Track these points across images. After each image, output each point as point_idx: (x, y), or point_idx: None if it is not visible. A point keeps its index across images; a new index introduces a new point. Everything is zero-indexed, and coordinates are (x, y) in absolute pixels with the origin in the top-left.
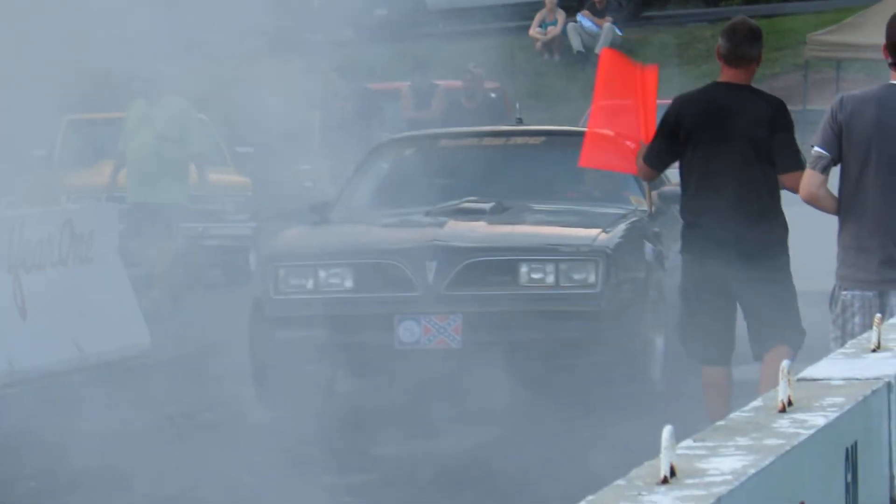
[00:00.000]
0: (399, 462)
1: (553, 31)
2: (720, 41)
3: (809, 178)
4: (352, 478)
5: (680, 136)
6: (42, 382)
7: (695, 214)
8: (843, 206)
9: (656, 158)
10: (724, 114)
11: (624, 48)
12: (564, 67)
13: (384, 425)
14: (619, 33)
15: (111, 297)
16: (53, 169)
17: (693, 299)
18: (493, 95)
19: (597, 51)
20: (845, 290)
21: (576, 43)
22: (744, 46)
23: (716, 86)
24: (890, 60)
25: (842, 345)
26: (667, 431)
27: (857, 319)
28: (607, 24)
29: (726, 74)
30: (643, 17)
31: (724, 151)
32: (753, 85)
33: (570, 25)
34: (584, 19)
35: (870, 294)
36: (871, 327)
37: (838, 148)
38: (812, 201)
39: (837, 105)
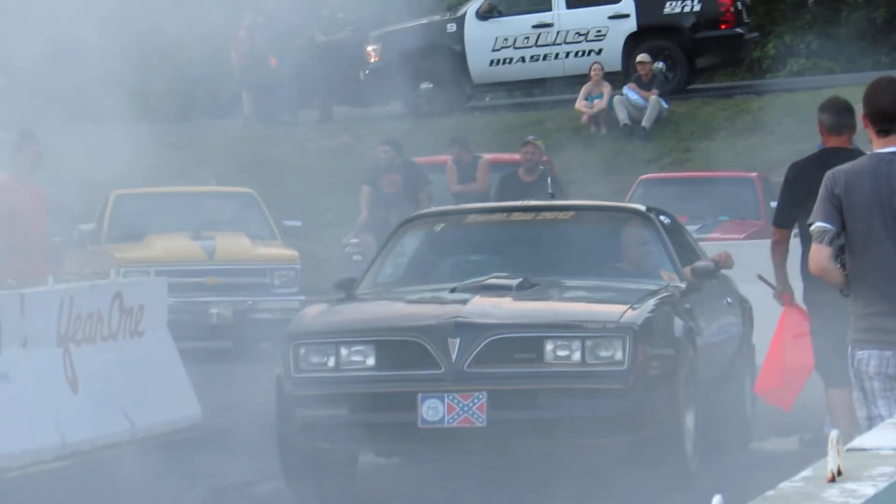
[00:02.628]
0: None
1: (599, 104)
2: (822, 116)
3: (819, 253)
4: None
5: (800, 197)
6: (93, 456)
7: None
8: (854, 277)
9: (786, 219)
10: None
11: (670, 121)
12: (611, 140)
13: (424, 501)
14: (666, 106)
15: (161, 370)
16: (102, 242)
17: (820, 336)
18: (541, 168)
19: (644, 123)
20: (861, 350)
21: (622, 116)
22: (845, 117)
23: (826, 151)
24: (877, 129)
25: (864, 405)
26: (716, 501)
27: (875, 384)
28: (654, 96)
29: (833, 142)
30: (689, 90)
31: None
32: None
33: (617, 98)
34: (631, 92)
35: (888, 353)
36: (889, 390)
37: (841, 221)
38: (822, 275)
39: (832, 180)
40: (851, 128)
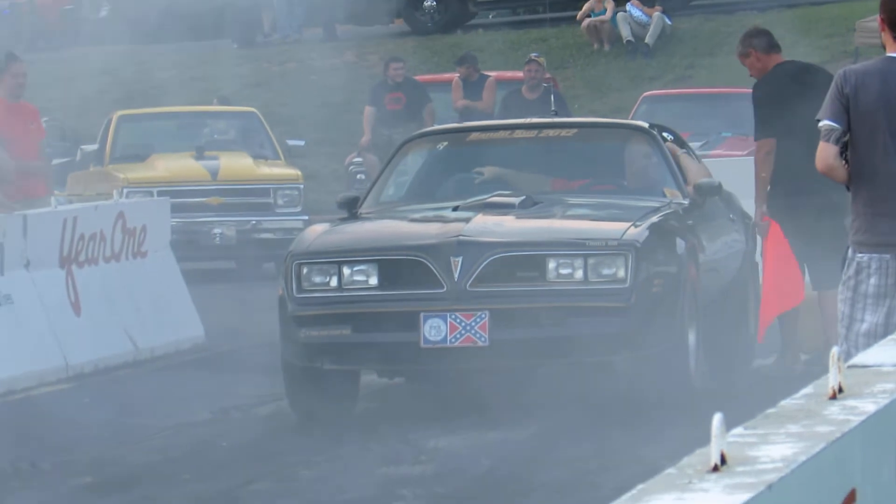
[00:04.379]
0: (453, 455)
1: (602, 20)
2: (755, 41)
3: (825, 150)
4: (407, 470)
5: (776, 109)
6: (97, 377)
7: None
8: (855, 176)
9: (770, 129)
10: None
11: (674, 37)
12: (615, 57)
13: (427, 420)
14: (669, 22)
15: (164, 292)
16: (105, 163)
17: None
18: (544, 86)
19: (647, 40)
20: (861, 253)
21: (625, 32)
22: (773, 37)
23: (781, 65)
24: (894, 34)
25: (851, 305)
26: (717, 419)
27: (872, 280)
28: (657, 13)
29: (775, 59)
30: (693, 6)
31: None
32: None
33: (620, 15)
34: (634, 8)
35: (887, 256)
36: (886, 287)
37: (847, 120)
38: (828, 172)
39: (842, 79)
40: (779, 45)
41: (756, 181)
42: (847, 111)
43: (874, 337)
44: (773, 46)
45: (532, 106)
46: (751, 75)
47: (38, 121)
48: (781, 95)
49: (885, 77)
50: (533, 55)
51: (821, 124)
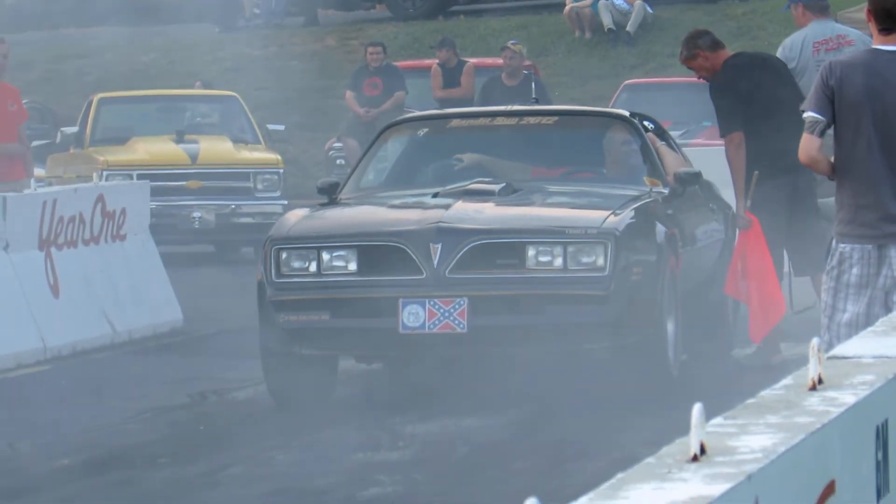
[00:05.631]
0: (430, 440)
1: (583, 5)
2: (700, 42)
3: (809, 143)
4: (384, 455)
5: (736, 103)
6: (74, 359)
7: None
8: (839, 168)
9: (736, 123)
10: None
11: (655, 26)
12: (596, 45)
13: (405, 406)
14: (650, 11)
15: (143, 275)
16: (85, 146)
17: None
18: (524, 73)
19: (629, 28)
20: (844, 243)
21: (607, 20)
22: (714, 34)
23: (730, 59)
24: (879, 27)
25: (834, 295)
26: (697, 409)
27: (854, 270)
28: (638, 1)
29: (723, 54)
30: None
31: None
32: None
33: (601, 3)
34: None
35: (869, 247)
36: (868, 277)
37: (832, 112)
38: (811, 164)
39: (827, 71)
40: (722, 42)
41: (733, 176)
42: (832, 103)
43: (856, 327)
44: (717, 43)
45: (512, 93)
46: (699, 76)
47: (18, 102)
48: (740, 87)
49: (871, 69)
50: (509, 42)
51: (805, 115)
